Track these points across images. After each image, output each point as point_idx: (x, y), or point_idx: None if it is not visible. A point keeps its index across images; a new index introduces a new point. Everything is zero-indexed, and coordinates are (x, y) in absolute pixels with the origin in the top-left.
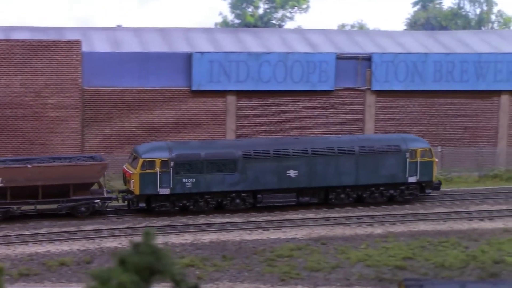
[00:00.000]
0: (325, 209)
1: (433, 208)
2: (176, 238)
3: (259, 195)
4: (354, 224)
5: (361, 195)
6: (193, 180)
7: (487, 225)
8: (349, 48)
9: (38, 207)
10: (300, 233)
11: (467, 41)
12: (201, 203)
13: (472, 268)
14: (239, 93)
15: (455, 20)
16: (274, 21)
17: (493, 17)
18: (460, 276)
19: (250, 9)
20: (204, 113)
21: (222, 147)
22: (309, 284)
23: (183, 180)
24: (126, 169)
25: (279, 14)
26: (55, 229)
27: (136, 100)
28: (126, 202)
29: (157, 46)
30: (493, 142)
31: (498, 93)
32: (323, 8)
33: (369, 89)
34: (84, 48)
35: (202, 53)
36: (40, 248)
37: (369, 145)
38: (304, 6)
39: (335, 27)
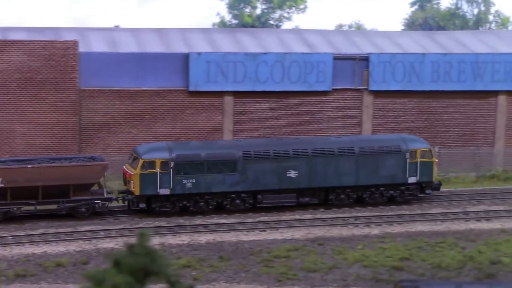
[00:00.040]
0: (322, 210)
1: (430, 208)
2: (173, 238)
3: (259, 196)
4: (351, 225)
5: (361, 196)
6: (193, 180)
7: (484, 225)
8: (347, 49)
9: (38, 207)
10: (297, 233)
11: (465, 41)
12: (201, 203)
13: (469, 269)
14: (236, 94)
15: (452, 20)
16: (271, 22)
17: (490, 17)
18: (457, 277)
19: (247, 10)
20: (201, 113)
21: (222, 148)
22: (306, 285)
23: (183, 180)
24: (126, 169)
25: (277, 14)
26: (52, 230)
27: (133, 101)
28: (126, 203)
29: (154, 46)
30: (491, 143)
31: (496, 93)
32: (321, 8)
33: (366, 89)
34: (81, 48)
35: (199, 53)
36: (37, 249)
37: (369, 146)
38: (301, 7)
39: (332, 28)
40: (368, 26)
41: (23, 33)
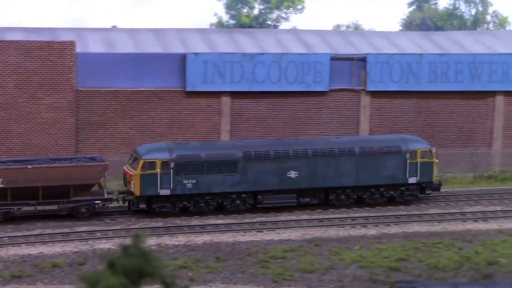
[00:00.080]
0: (319, 210)
1: (427, 209)
2: (170, 239)
3: (259, 196)
4: (348, 225)
5: (361, 196)
6: (194, 181)
7: (481, 226)
8: (344, 49)
9: (39, 208)
10: (294, 234)
11: (462, 41)
12: (202, 204)
13: (466, 270)
14: (234, 94)
15: (450, 20)
16: (269, 22)
17: (488, 18)
18: (454, 278)
19: (245, 10)
20: (198, 114)
21: (222, 148)
22: (302, 286)
23: (184, 181)
24: (127, 170)
25: (274, 14)
26: (48, 231)
27: (130, 101)
28: (126, 203)
29: (151, 46)
30: (488, 143)
31: (493, 93)
32: (318, 8)
33: (363, 90)
34: (79, 49)
35: (196, 54)
36: (33, 250)
37: (369, 146)
38: (299, 7)
39: (330, 28)
40: (366, 26)
41: (20, 34)
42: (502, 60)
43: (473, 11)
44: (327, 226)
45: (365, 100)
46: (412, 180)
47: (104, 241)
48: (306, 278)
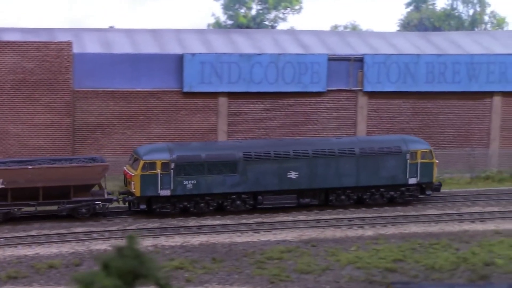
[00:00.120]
0: (316, 211)
1: (424, 210)
2: (166, 240)
3: (259, 197)
4: (345, 226)
5: (361, 197)
6: (194, 181)
7: (478, 227)
8: (341, 49)
9: (39, 208)
10: (290, 235)
11: (460, 42)
12: (202, 204)
13: (463, 270)
14: (231, 95)
15: (448, 21)
16: (266, 22)
17: (486, 18)
18: (450, 279)
19: (242, 10)
20: (195, 114)
21: (222, 149)
22: (298, 287)
23: (184, 181)
24: (127, 170)
25: (272, 15)
26: (45, 231)
27: (127, 102)
28: (126, 204)
29: (148, 47)
30: (485, 144)
31: (491, 94)
32: (316, 9)
33: (361, 90)
34: (76, 49)
35: (193, 54)
36: (29, 251)
37: (370, 147)
38: (297, 7)
39: (328, 28)
40: (364, 26)
41: (17, 34)
42: (500, 60)
43: (471, 12)
44: (324, 227)
45: (363, 100)
46: (413, 180)
47: (101, 242)
48: (303, 279)
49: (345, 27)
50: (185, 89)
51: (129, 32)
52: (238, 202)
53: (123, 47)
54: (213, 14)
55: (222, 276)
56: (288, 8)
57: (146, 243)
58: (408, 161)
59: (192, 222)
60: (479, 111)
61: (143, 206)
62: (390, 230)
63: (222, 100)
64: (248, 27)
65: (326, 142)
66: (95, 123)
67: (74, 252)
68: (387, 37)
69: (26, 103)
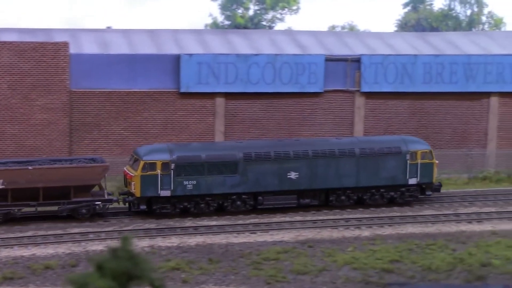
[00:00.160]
0: (313, 212)
1: (421, 210)
2: (163, 241)
3: (259, 197)
4: (342, 227)
5: (361, 197)
6: (194, 182)
7: (475, 227)
8: (339, 50)
9: (39, 209)
10: (287, 235)
11: (457, 42)
12: (202, 205)
13: (459, 271)
14: (228, 95)
15: (445, 21)
16: (264, 23)
17: (483, 18)
18: (447, 279)
19: (240, 11)
20: (192, 115)
21: (223, 149)
22: None
23: (184, 182)
24: (127, 171)
25: (269, 15)
26: (41, 232)
27: (124, 102)
28: (126, 204)
29: (145, 47)
30: (483, 144)
31: (488, 94)
32: (314, 9)
33: (358, 91)
34: (73, 49)
35: (190, 55)
36: (26, 252)
37: (370, 147)
38: (294, 8)
39: (325, 29)
40: (361, 27)
41: (14, 35)
42: (497, 61)
43: (469, 12)
44: (320, 228)
45: (360, 101)
46: (413, 181)
47: (97, 242)
48: (299, 280)
49: (343, 27)
50: (182, 90)
51: (126, 33)
52: (238, 202)
53: (120, 48)
54: (210, 15)
55: (219, 277)
56: (286, 9)
57: (143, 243)
58: (408, 161)
59: (188, 222)
60: (477, 112)
61: (143, 207)
62: (387, 230)
63: (219, 101)
64: (245, 27)
65: (326, 142)
66: (92, 124)
67: (70, 253)
68: (385, 38)
69: (23, 103)
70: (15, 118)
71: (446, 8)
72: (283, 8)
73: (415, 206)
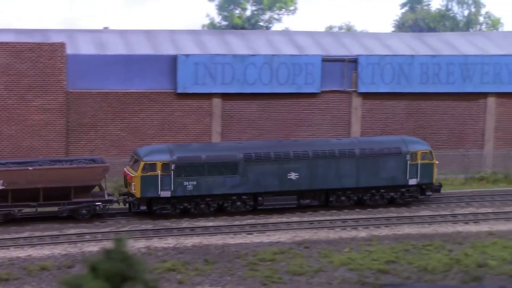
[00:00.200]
0: (309, 213)
1: (418, 211)
2: (159, 242)
3: (260, 198)
4: (339, 228)
5: (361, 198)
6: (194, 182)
7: (472, 228)
8: (336, 50)
9: (39, 209)
10: (284, 236)
11: (454, 43)
12: (202, 205)
13: (456, 272)
14: (225, 96)
15: (443, 21)
16: (261, 23)
17: (481, 19)
18: (443, 280)
19: (237, 11)
20: (189, 115)
21: (223, 150)
22: None
23: (184, 182)
24: (127, 171)
25: (267, 16)
26: (37, 233)
27: (121, 103)
28: (127, 205)
29: (142, 48)
30: (480, 144)
31: (485, 95)
32: (311, 9)
33: (355, 91)
34: (69, 50)
35: (187, 55)
36: (22, 253)
37: (370, 148)
38: (291, 8)
39: (323, 29)
40: (359, 27)
41: (11, 35)
42: (494, 61)
43: (466, 12)
44: (317, 228)
45: (357, 101)
46: (413, 181)
47: (93, 243)
48: (295, 281)
49: (340, 28)
50: (179, 90)
51: (122, 33)
52: (239, 203)
53: (117, 48)
54: (207, 15)
55: (215, 278)
56: (283, 9)
57: (139, 244)
58: (408, 162)
59: (185, 223)
60: (473, 112)
61: (143, 208)
62: (384, 231)
63: (216, 101)
64: (243, 28)
65: (326, 143)
66: (88, 124)
67: (66, 254)
68: (382, 38)
69: (20, 104)
70: (12, 119)
71: (443, 8)
72: (280, 8)
73: (412, 207)
